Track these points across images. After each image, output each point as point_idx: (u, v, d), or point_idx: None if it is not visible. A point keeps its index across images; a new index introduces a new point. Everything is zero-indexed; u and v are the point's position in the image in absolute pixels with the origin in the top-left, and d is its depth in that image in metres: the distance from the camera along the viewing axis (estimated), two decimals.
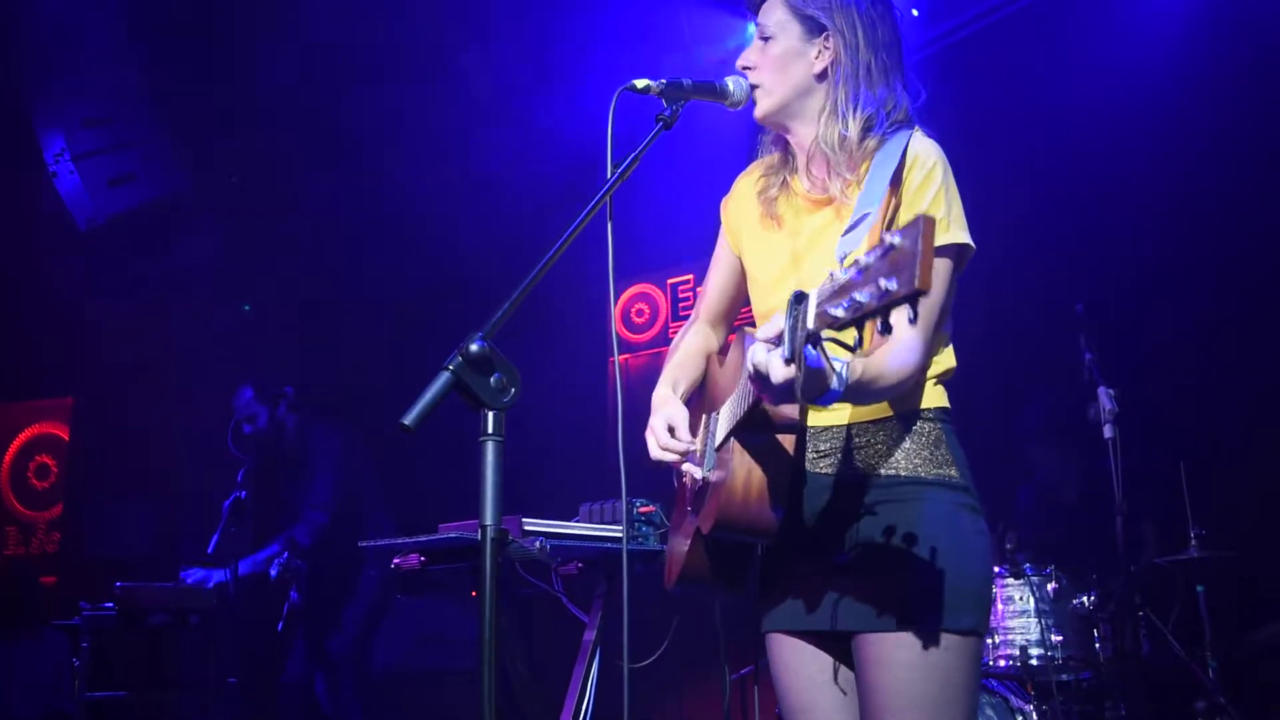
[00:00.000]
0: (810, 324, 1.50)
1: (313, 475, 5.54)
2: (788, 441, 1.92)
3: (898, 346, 1.92)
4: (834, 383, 1.69)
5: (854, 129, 2.06)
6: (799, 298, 1.52)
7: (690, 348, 2.37)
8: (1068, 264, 5.20)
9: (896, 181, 1.99)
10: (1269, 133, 4.79)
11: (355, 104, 6.54)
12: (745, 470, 1.90)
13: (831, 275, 1.47)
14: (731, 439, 1.93)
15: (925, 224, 1.34)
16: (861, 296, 1.40)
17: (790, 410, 1.87)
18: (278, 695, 5.50)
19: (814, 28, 2.11)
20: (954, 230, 1.99)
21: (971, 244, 2.01)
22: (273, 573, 5.24)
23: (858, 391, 1.82)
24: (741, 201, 2.29)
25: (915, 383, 1.99)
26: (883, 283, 1.37)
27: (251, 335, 7.29)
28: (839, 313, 1.43)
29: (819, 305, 1.48)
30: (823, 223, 2.10)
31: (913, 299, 1.35)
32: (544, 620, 4.41)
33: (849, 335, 1.47)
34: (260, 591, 5.50)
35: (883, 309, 1.38)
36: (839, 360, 1.70)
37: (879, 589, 1.95)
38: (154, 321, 7.05)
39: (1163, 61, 5.03)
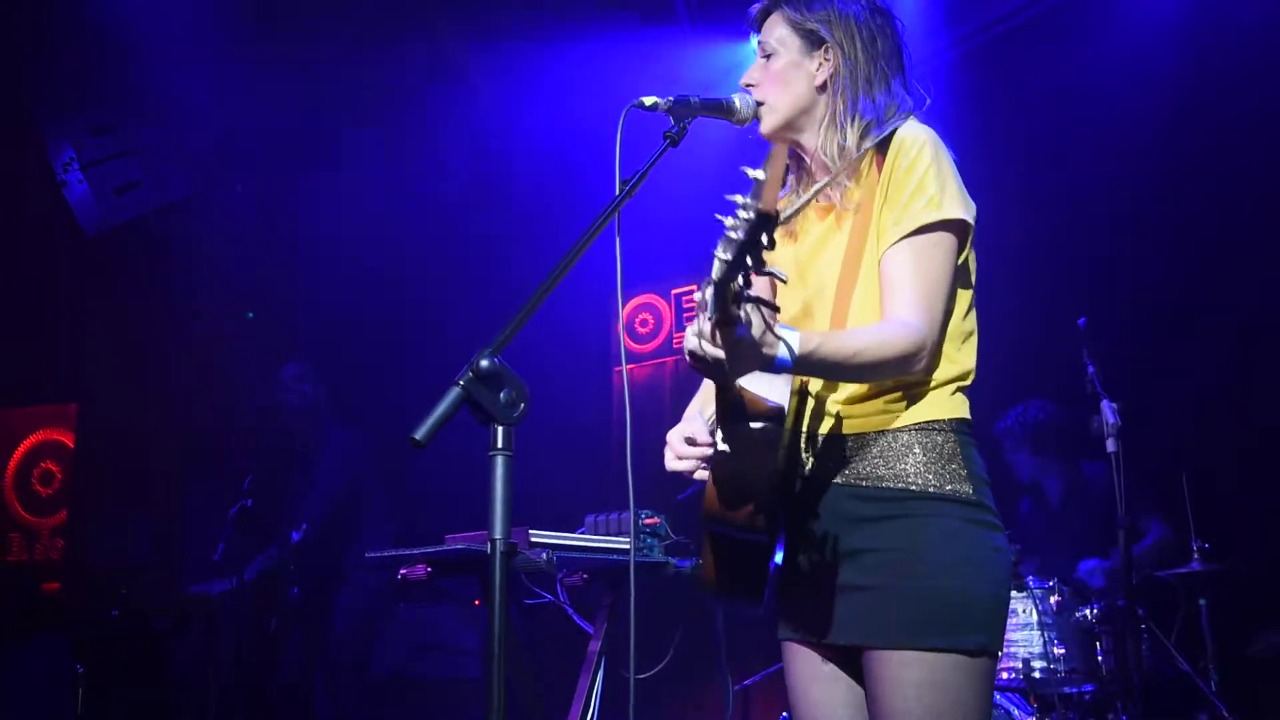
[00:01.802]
0: (714, 273, 1.53)
1: (317, 474, 5.58)
2: (768, 431, 1.87)
3: (886, 324, 1.91)
4: (780, 350, 1.69)
5: (852, 137, 2.08)
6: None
7: None
8: (1070, 277, 5.21)
9: (880, 163, 2.02)
10: (1272, 145, 4.81)
11: (359, 111, 6.57)
12: (729, 460, 1.88)
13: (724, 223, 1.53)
14: (717, 433, 1.92)
15: (773, 151, 1.47)
16: (735, 234, 1.48)
17: (773, 397, 1.84)
18: (279, 701, 5.50)
19: (814, 41, 2.14)
20: (947, 206, 1.97)
21: (970, 220, 2.00)
22: (290, 543, 5.28)
23: (817, 364, 1.79)
24: None
25: (920, 367, 1.93)
26: (743, 214, 1.47)
27: (256, 343, 7.31)
28: (726, 255, 1.49)
29: (718, 254, 1.52)
30: (825, 230, 2.13)
31: (762, 223, 1.44)
32: (549, 630, 4.42)
33: (766, 291, 1.57)
34: (261, 595, 5.51)
35: (750, 241, 1.46)
36: (787, 328, 1.71)
37: (884, 605, 1.94)
38: (159, 328, 7.07)
39: (1166, 75, 5.04)
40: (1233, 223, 4.94)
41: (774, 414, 1.86)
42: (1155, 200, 5.08)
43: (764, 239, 1.45)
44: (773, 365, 1.70)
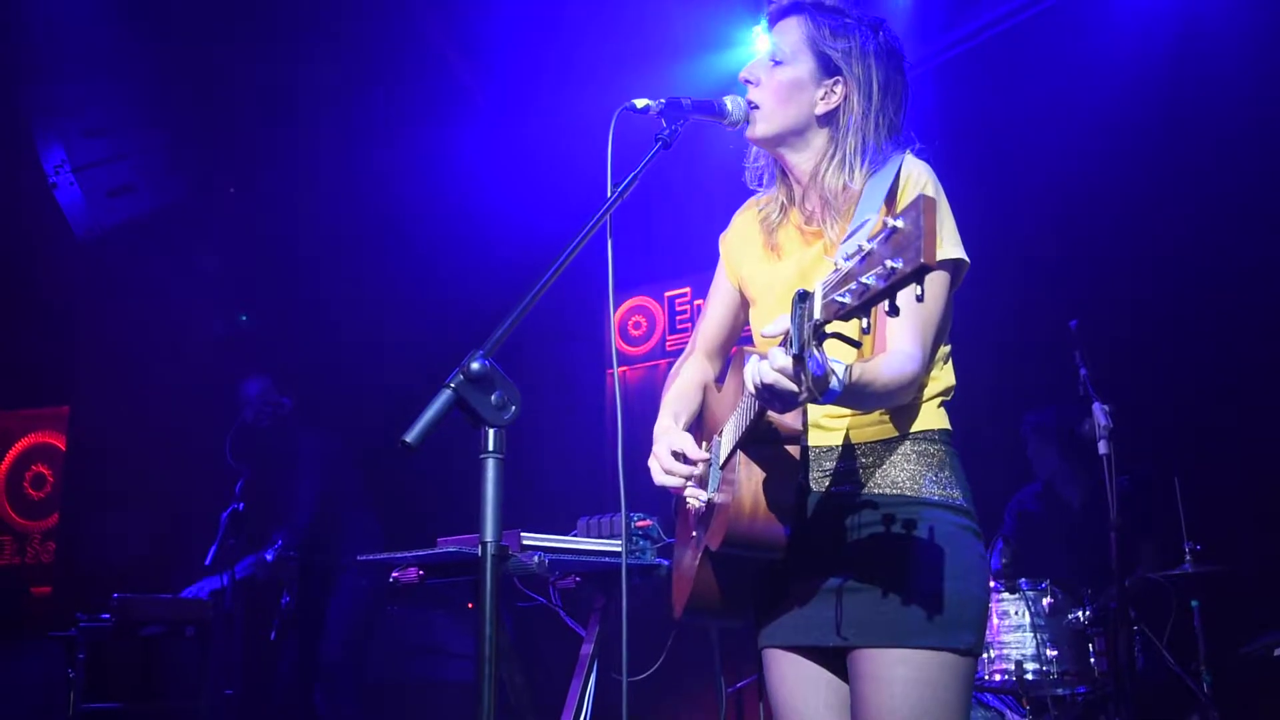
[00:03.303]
0: (818, 314, 1.51)
1: (298, 480, 5.59)
2: (792, 453, 1.93)
3: (894, 355, 1.94)
4: (833, 382, 1.69)
5: (858, 179, 2.08)
6: (803, 295, 1.53)
7: (688, 380, 2.37)
8: (1062, 279, 5.22)
9: (891, 199, 2.01)
10: (1264, 148, 4.82)
11: (353, 114, 6.56)
12: (752, 483, 1.91)
13: (836, 265, 1.49)
14: (736, 455, 1.94)
15: (925, 202, 1.37)
16: (868, 280, 1.43)
17: (794, 421, 1.88)
18: (274, 705, 5.49)
19: (828, 68, 2.12)
20: (948, 246, 2.01)
21: (966, 259, 2.04)
22: (266, 562, 5.28)
23: (855, 394, 1.81)
24: (742, 232, 2.32)
25: (913, 395, 2.01)
26: (889, 263, 1.40)
27: (248, 345, 7.30)
28: (846, 300, 1.46)
29: (825, 296, 1.49)
30: (813, 257, 2.13)
31: (919, 275, 1.38)
32: (541, 633, 4.42)
33: (853, 330, 1.50)
34: (253, 599, 5.50)
35: (890, 290, 1.41)
36: (838, 361, 1.72)
37: (880, 606, 1.96)
38: (151, 331, 7.05)
39: (1156, 78, 5.05)
40: (1224, 225, 4.95)
41: (798, 434, 1.91)
42: (1147, 203, 5.09)
43: (917, 289, 1.41)
44: (825, 397, 1.70)
